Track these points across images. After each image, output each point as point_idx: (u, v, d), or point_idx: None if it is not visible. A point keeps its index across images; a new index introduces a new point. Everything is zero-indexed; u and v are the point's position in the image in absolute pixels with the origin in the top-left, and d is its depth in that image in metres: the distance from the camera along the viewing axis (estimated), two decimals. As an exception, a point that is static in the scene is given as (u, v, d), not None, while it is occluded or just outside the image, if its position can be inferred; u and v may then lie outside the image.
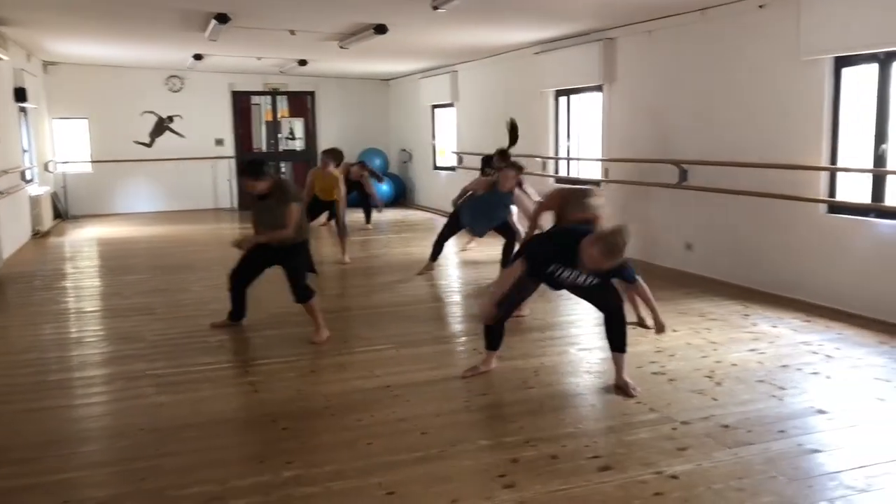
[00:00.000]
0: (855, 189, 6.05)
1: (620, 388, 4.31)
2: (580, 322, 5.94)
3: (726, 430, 3.73)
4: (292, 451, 3.54)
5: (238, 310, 5.82)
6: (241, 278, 5.71)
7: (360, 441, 3.63)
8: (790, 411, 3.96)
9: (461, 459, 3.44)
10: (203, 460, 3.47)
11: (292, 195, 5.49)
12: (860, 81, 5.96)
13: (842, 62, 5.98)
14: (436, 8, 6.68)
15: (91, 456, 3.63)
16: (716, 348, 5.11)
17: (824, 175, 6.18)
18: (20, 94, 10.27)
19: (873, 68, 5.77)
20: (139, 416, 4.04)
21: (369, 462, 3.40)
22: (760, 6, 6.50)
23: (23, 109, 10.92)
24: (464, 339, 5.53)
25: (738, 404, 4.07)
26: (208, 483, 3.21)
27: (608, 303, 4.42)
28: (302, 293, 5.48)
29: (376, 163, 14.87)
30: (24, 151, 10.92)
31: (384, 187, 13.68)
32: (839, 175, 6.16)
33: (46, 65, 12.90)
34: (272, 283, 7.54)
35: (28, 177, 11.04)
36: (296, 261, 5.50)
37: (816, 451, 3.49)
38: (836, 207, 6.10)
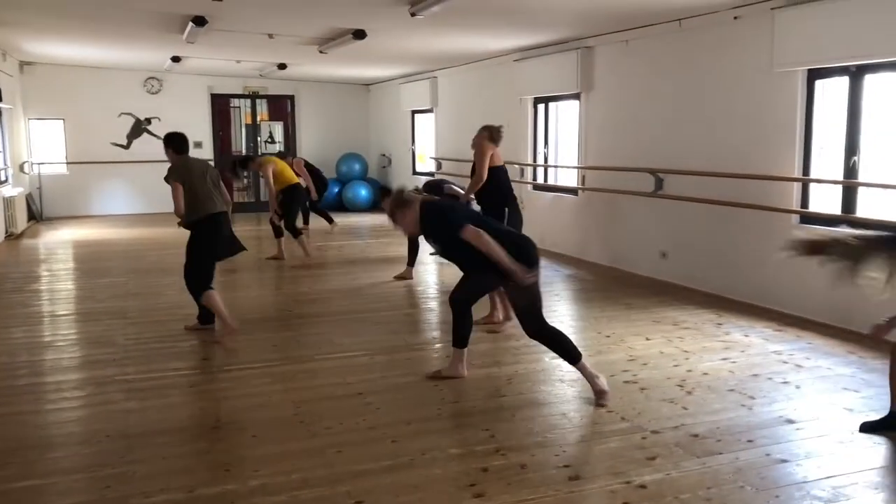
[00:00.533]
0: (826, 200, 6.12)
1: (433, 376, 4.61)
2: (555, 330, 5.96)
3: (696, 440, 3.75)
4: (259, 458, 3.51)
5: (203, 311, 5.76)
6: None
7: (328, 449, 3.61)
8: (759, 421, 3.99)
9: (431, 468, 3.43)
10: (170, 468, 3.44)
11: (171, 173, 5.54)
12: (832, 93, 6.03)
13: (814, 74, 6.06)
14: (414, 14, 6.69)
15: (57, 463, 3.58)
16: (688, 357, 5.14)
17: (797, 186, 6.24)
18: (-6, 95, 10.16)
19: (844, 81, 5.84)
20: (107, 423, 3.99)
21: (337, 470, 3.38)
22: (735, 17, 6.57)
23: (-3, 109, 10.80)
24: (438, 346, 5.52)
25: (708, 413, 4.09)
26: (174, 491, 3.18)
27: (454, 292, 4.59)
28: (189, 284, 5.52)
29: (356, 168, 14.87)
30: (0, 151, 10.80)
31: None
32: (811, 186, 6.23)
33: (23, 65, 12.77)
34: (246, 289, 7.51)
35: (2, 178, 10.91)
36: (190, 244, 5.54)
37: (785, 461, 3.52)
38: (809, 218, 6.16)
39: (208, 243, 5.57)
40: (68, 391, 4.57)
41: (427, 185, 8.12)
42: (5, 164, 11.17)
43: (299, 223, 9.53)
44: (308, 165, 10.80)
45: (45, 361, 5.20)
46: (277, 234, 9.05)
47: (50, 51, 11.44)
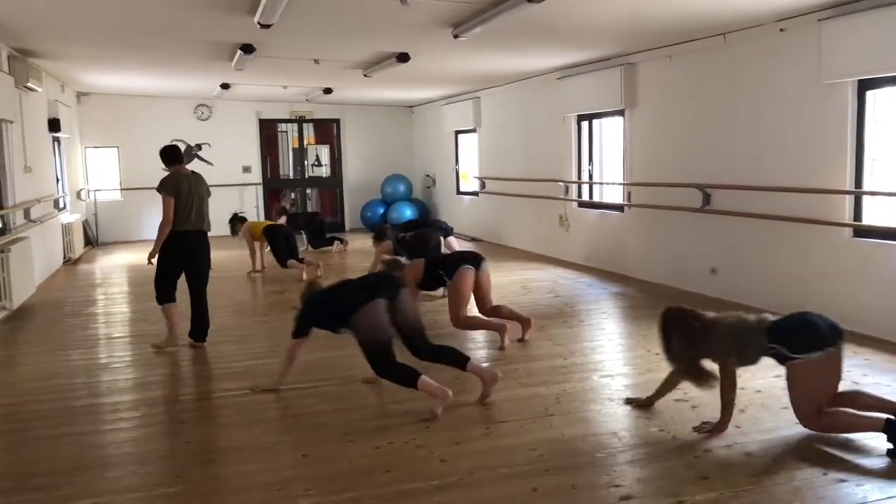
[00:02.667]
0: (881, 213, 5.98)
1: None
2: (603, 348, 5.91)
3: (749, 458, 3.68)
4: (310, 477, 3.55)
5: (194, 326, 6.13)
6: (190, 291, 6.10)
7: (377, 468, 3.64)
8: (815, 439, 3.89)
9: (480, 488, 3.42)
10: (222, 487, 3.50)
11: (161, 186, 5.89)
12: (884, 103, 5.91)
13: (865, 85, 5.94)
14: (456, 37, 6.76)
15: (114, 482, 3.66)
16: (740, 375, 5.01)
17: (849, 199, 6.11)
18: (54, 125, 10.52)
19: (897, 91, 5.73)
20: (161, 443, 4.09)
21: (387, 490, 3.39)
22: (781, 30, 6.49)
23: (56, 139, 11.18)
24: (486, 364, 5.51)
25: (761, 432, 4.01)
26: (227, 510, 3.24)
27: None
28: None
29: (400, 189, 15.00)
30: (58, 180, 11.16)
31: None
32: (865, 198, 6.10)
33: (80, 95, 13.23)
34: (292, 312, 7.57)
35: (61, 205, 11.26)
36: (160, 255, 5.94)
37: (843, 480, 3.43)
38: (862, 231, 6.02)
39: (174, 257, 5.96)
40: (124, 412, 4.68)
41: (416, 234, 8.72)
42: (64, 192, 11.54)
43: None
44: (290, 215, 12.46)
45: (101, 383, 5.34)
46: (287, 265, 9.60)
47: (105, 81, 11.84)
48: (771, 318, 4.09)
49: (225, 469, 3.70)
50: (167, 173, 6.03)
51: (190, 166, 14.61)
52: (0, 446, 4.14)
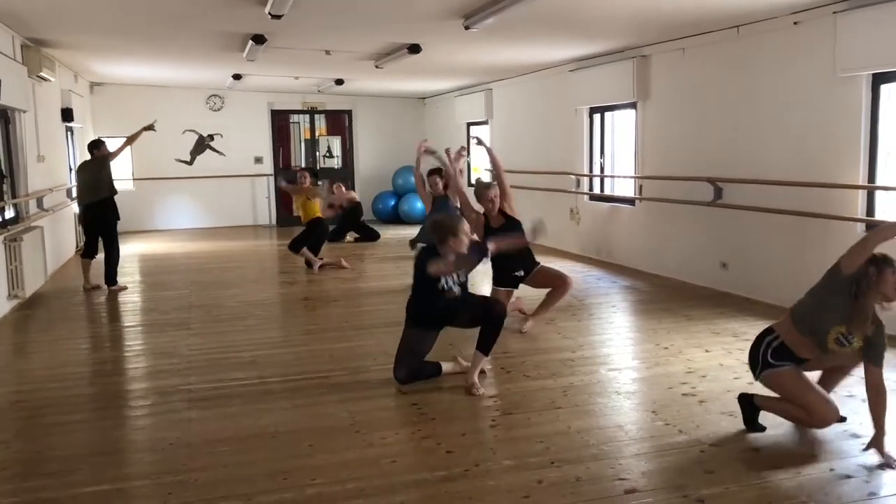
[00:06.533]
0: (894, 207, 5.93)
1: (468, 383, 4.66)
2: (611, 342, 5.91)
3: (757, 454, 3.67)
4: (317, 467, 3.57)
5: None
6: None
7: (383, 459, 3.65)
8: (823, 435, 3.87)
9: (485, 479, 3.43)
10: (230, 475, 3.52)
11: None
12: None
13: (879, 78, 5.89)
14: (468, 28, 6.74)
15: (123, 469, 3.71)
16: (748, 370, 5.01)
17: (862, 193, 6.06)
18: (67, 114, 10.58)
19: (912, 85, 5.67)
20: (170, 431, 4.11)
21: (392, 480, 3.41)
22: (795, 23, 6.43)
23: (69, 129, 11.24)
24: (491, 357, 5.51)
25: (769, 427, 3.97)
26: (234, 498, 3.26)
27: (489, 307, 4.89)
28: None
29: (412, 180, 14.96)
30: (70, 170, 11.22)
31: None
32: (878, 193, 6.05)
33: (93, 85, 13.29)
34: (304, 302, 7.64)
35: (74, 195, 11.31)
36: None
37: (849, 476, 3.41)
38: (874, 226, 5.96)
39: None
40: (134, 400, 4.72)
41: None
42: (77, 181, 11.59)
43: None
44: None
45: (112, 371, 5.39)
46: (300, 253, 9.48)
47: (118, 71, 11.89)
48: None
49: (232, 458, 3.72)
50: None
51: (203, 157, 14.79)
52: (11, 432, 4.18)
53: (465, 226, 4.76)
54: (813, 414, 3.77)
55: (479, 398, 4.55)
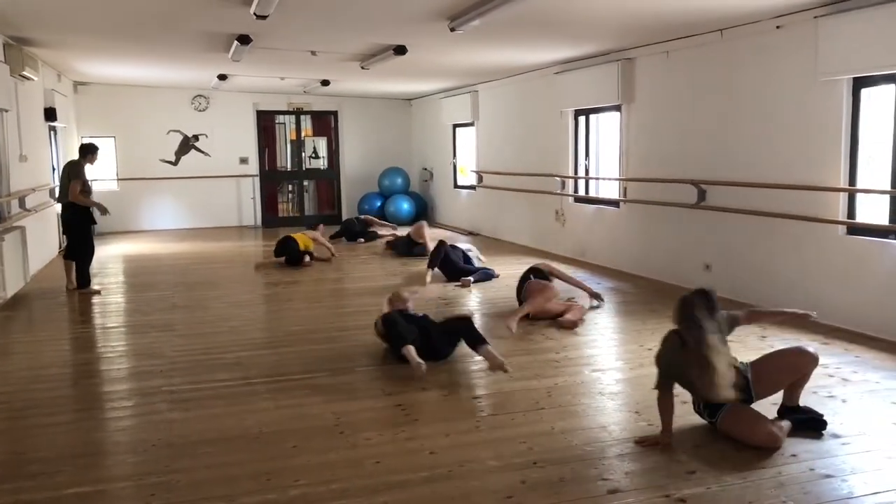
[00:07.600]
0: (874, 210, 6.00)
1: (497, 367, 4.88)
2: (595, 343, 5.94)
3: (738, 454, 3.69)
4: (300, 468, 3.57)
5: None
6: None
7: (367, 460, 3.65)
8: (804, 435, 3.91)
9: (469, 480, 3.44)
10: (213, 476, 3.51)
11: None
12: (878, 102, 5.92)
13: (860, 82, 5.95)
14: (453, 30, 6.75)
15: (105, 470, 3.70)
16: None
17: (843, 196, 6.13)
18: (50, 114, 10.50)
19: (891, 89, 5.73)
20: (153, 432, 4.09)
21: (376, 481, 3.41)
22: (777, 27, 6.49)
23: (52, 128, 11.16)
24: (478, 358, 5.52)
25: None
26: (216, 500, 3.26)
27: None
28: None
29: (398, 181, 15.00)
30: (53, 169, 11.13)
31: None
32: (858, 196, 6.11)
33: (77, 85, 13.20)
34: (288, 302, 7.63)
35: (56, 194, 11.23)
36: None
37: (829, 476, 3.45)
38: (855, 229, 6.04)
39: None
40: (116, 401, 4.70)
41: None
42: (59, 181, 11.50)
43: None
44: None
45: (95, 372, 5.36)
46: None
47: (102, 71, 11.81)
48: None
49: (215, 459, 3.71)
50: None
51: (187, 157, 14.77)
52: (-8, 434, 4.15)
53: None
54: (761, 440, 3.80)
55: (463, 399, 4.57)
